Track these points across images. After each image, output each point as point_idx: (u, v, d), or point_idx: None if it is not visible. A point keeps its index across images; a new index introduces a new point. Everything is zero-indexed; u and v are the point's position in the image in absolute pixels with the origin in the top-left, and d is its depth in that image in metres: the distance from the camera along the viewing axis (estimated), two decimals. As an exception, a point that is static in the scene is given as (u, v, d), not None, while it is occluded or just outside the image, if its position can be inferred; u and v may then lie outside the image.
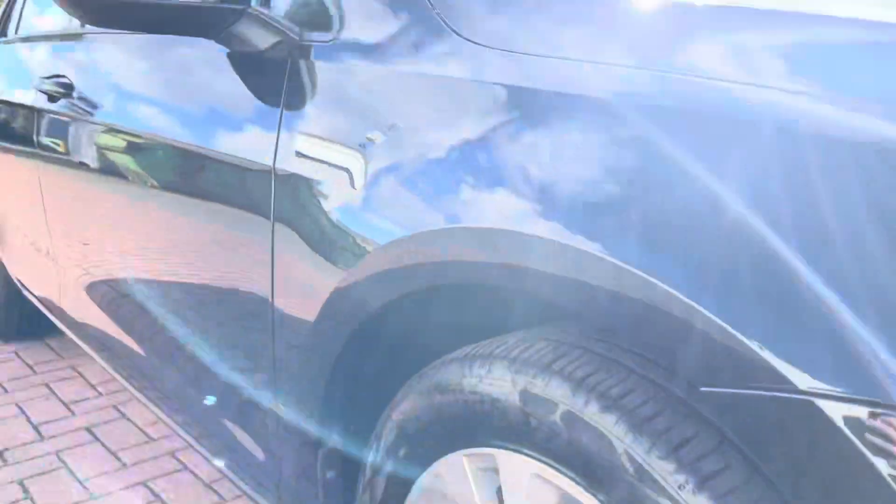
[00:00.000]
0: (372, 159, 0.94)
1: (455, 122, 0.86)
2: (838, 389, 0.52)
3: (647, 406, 0.67)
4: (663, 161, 0.66)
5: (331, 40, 1.08)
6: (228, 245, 1.20)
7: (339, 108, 1.03)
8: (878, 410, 0.50)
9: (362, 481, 0.99)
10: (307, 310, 1.02)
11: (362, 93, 1.00)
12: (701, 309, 0.59)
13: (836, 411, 0.52)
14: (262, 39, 1.16)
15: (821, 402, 0.53)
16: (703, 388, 0.63)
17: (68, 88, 1.77)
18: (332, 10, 1.11)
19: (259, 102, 1.15)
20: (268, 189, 1.08)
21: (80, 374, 2.59)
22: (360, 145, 0.97)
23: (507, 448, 0.78)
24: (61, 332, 2.94)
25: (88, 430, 2.18)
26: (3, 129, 2.34)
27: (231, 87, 1.22)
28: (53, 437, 2.14)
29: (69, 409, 2.32)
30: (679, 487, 0.63)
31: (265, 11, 1.16)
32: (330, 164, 1.00)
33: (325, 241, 0.99)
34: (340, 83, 1.04)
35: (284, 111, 1.09)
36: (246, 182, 1.14)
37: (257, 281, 1.13)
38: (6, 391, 2.46)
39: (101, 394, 2.43)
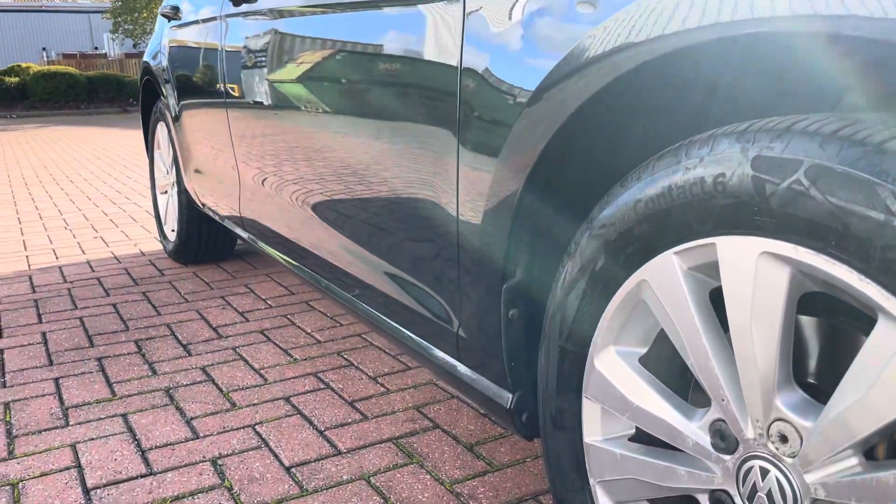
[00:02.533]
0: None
1: None
2: None
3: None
4: None
5: None
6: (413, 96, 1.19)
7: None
8: None
9: (551, 305, 0.95)
10: (493, 141, 0.99)
11: None
12: None
13: None
14: None
15: None
16: None
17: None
18: None
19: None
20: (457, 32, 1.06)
21: (252, 291, 2.73)
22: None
23: (729, 232, 0.71)
24: (235, 258, 3.11)
25: (262, 332, 2.29)
26: (189, 52, 2.48)
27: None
28: (230, 336, 2.26)
29: (244, 316, 2.45)
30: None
31: None
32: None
33: (511, 63, 0.95)
34: None
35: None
36: (434, 34, 1.12)
37: (441, 118, 1.11)
38: (186, 300, 2.63)
39: (271, 306, 2.55)
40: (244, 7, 1.90)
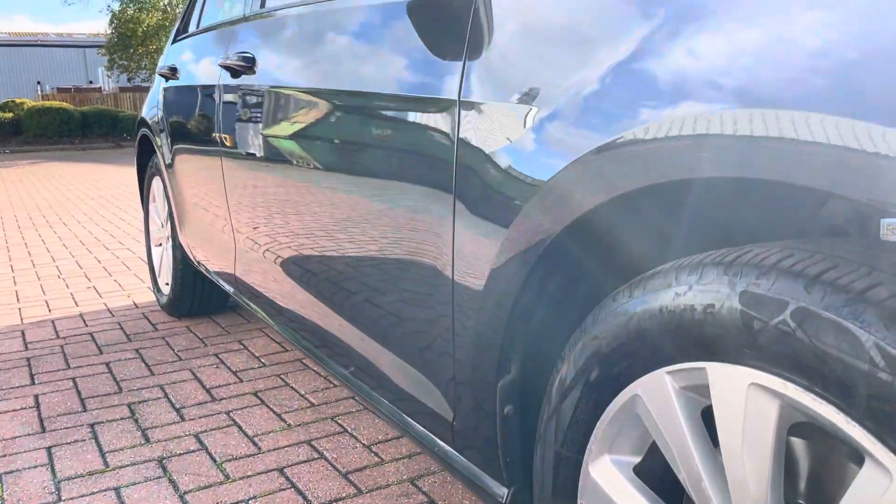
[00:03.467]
0: (562, 84, 0.92)
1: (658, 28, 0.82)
2: None
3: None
4: None
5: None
6: (408, 181, 1.21)
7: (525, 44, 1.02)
8: None
9: (546, 410, 0.96)
10: (489, 240, 1.01)
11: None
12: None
13: None
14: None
15: None
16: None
17: (250, 62, 1.87)
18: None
19: (446, 43, 1.16)
20: (453, 124, 1.08)
21: (246, 347, 2.73)
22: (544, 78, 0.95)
23: (720, 360, 0.73)
24: (228, 311, 3.11)
25: (255, 394, 2.28)
26: (186, 114, 2.51)
27: (415, 36, 1.24)
28: (224, 398, 2.26)
29: (237, 376, 2.44)
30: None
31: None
32: (516, 97, 0.99)
33: (509, 169, 0.97)
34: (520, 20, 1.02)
35: (468, 54, 1.09)
36: (430, 120, 1.15)
37: (436, 212, 1.13)
38: (180, 359, 2.62)
39: (265, 364, 2.55)
40: (243, 80, 1.93)
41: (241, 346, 2.74)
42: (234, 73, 1.97)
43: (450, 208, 1.10)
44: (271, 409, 2.16)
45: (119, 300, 3.46)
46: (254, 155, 1.87)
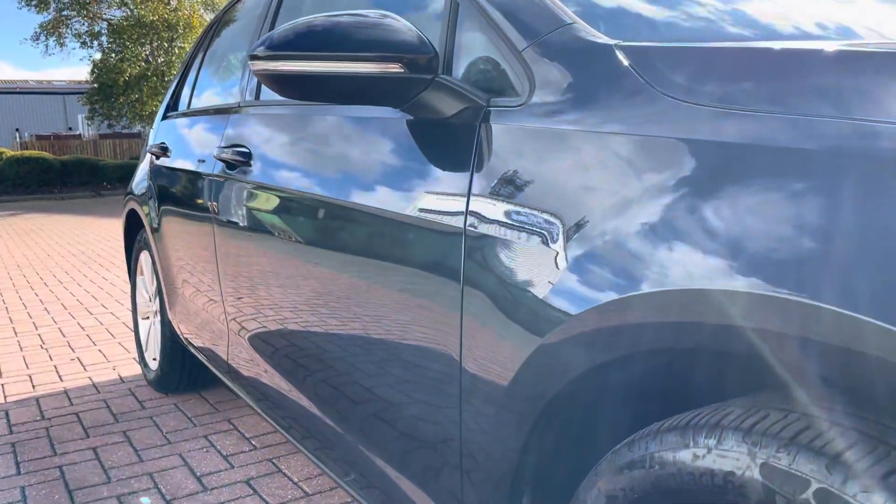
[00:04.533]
0: (571, 222, 0.94)
1: (660, 182, 0.85)
2: None
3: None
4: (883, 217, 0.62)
5: (519, 105, 1.10)
6: (413, 307, 1.22)
7: (532, 170, 1.04)
8: None
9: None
10: (498, 376, 1.02)
11: (557, 155, 1.01)
12: None
13: None
14: (449, 106, 1.20)
15: None
16: None
17: (246, 157, 1.88)
18: (520, 76, 1.12)
19: (449, 166, 1.18)
20: (458, 251, 1.10)
21: (236, 428, 2.69)
22: (556, 208, 0.97)
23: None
24: (217, 387, 3.07)
25: (247, 483, 2.25)
26: (178, 196, 2.51)
27: (418, 153, 1.26)
28: (215, 488, 2.22)
29: (228, 461, 2.40)
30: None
31: (453, 80, 1.20)
32: (523, 228, 1.00)
33: (520, 306, 0.98)
34: (533, 146, 1.05)
35: (475, 174, 1.11)
36: (435, 244, 1.16)
37: (444, 344, 1.13)
38: (169, 442, 2.58)
39: (256, 447, 2.51)
40: (238, 174, 1.93)
41: (231, 427, 2.71)
42: (230, 166, 1.98)
43: (457, 336, 1.10)
44: (265, 501, 2.12)
45: (104, 374, 3.41)
46: (248, 247, 1.87)
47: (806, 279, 0.66)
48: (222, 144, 2.07)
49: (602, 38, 1.04)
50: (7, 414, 2.90)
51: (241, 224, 1.93)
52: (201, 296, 2.33)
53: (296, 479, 2.26)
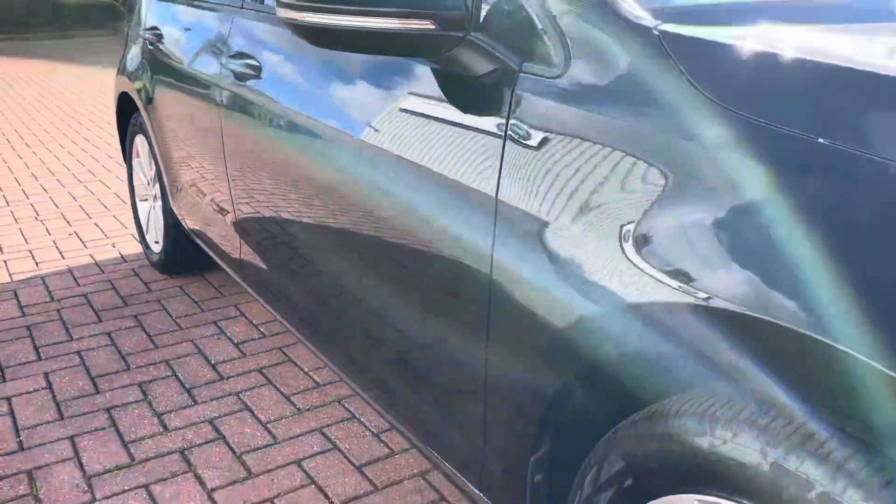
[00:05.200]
0: (598, 207, 0.99)
1: (682, 187, 0.90)
2: None
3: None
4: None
5: (554, 77, 1.12)
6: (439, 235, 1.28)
7: (565, 150, 1.08)
8: None
9: (580, 494, 1.09)
10: (525, 314, 1.11)
11: (587, 142, 1.04)
12: None
13: None
14: (480, 66, 1.21)
15: None
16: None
17: (256, 70, 1.87)
18: (555, 44, 1.13)
19: (479, 127, 1.21)
20: (489, 219, 1.15)
21: (243, 314, 2.82)
22: (582, 198, 1.02)
23: (747, 501, 0.85)
24: (219, 270, 3.16)
25: (260, 371, 2.39)
26: (183, 96, 2.47)
27: (446, 106, 1.28)
28: (231, 377, 2.36)
29: (240, 349, 2.54)
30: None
31: (485, 39, 1.20)
32: (551, 203, 1.06)
33: (546, 279, 1.06)
34: (565, 127, 1.08)
35: (507, 142, 1.15)
36: (463, 210, 1.21)
37: (471, 273, 1.21)
38: (180, 327, 2.70)
39: (264, 335, 2.65)
40: (248, 86, 1.92)
41: (239, 312, 2.83)
42: (240, 76, 1.96)
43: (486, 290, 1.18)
44: (279, 391, 2.28)
45: (105, 251, 3.47)
46: (259, 161, 1.90)
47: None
48: (231, 53, 2.04)
49: (646, 19, 1.05)
50: (16, 294, 2.99)
51: (251, 138, 1.93)
52: (207, 195, 2.37)
53: (306, 369, 2.41)
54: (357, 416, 2.15)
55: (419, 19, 1.18)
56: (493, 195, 1.15)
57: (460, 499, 1.80)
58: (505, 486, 1.27)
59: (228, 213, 2.23)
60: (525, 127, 1.13)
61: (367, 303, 1.58)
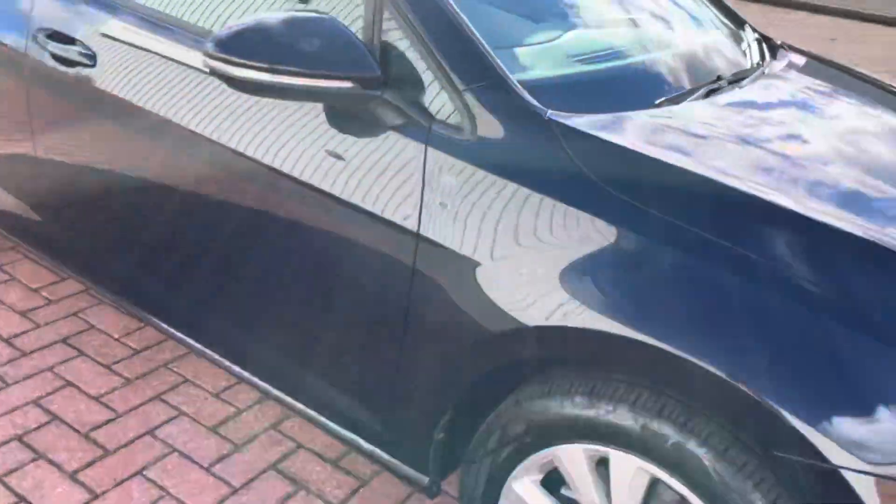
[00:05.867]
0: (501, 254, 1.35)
1: (565, 244, 1.31)
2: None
3: (731, 450, 1.23)
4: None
5: (464, 139, 1.41)
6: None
7: (477, 202, 1.40)
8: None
9: (482, 449, 1.49)
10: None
11: (495, 200, 1.38)
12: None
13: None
14: (392, 119, 1.45)
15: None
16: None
17: (90, 59, 1.82)
18: (461, 112, 1.42)
19: (397, 171, 1.46)
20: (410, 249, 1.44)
21: (14, 277, 2.66)
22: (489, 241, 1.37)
23: (621, 450, 1.32)
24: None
25: (66, 342, 2.36)
26: None
27: (354, 145, 1.50)
28: (34, 351, 2.30)
29: (31, 320, 2.45)
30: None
31: (397, 99, 1.45)
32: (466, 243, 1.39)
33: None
34: (480, 186, 1.39)
35: (425, 187, 1.43)
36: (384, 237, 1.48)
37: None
38: (-56, 299, 2.49)
39: (50, 300, 2.56)
40: (75, 73, 1.85)
41: (9, 276, 2.66)
42: (64, 62, 1.88)
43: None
44: (96, 362, 2.30)
45: None
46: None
47: None
48: (43, 26, 1.91)
49: (538, 106, 1.40)
50: None
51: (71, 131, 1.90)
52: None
53: (116, 335, 2.43)
54: (192, 379, 2.28)
55: (341, 80, 1.40)
56: (415, 229, 1.44)
57: (312, 440, 2.10)
58: (408, 441, 1.62)
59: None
60: (437, 174, 1.42)
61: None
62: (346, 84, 1.41)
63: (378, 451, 1.69)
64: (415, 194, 1.43)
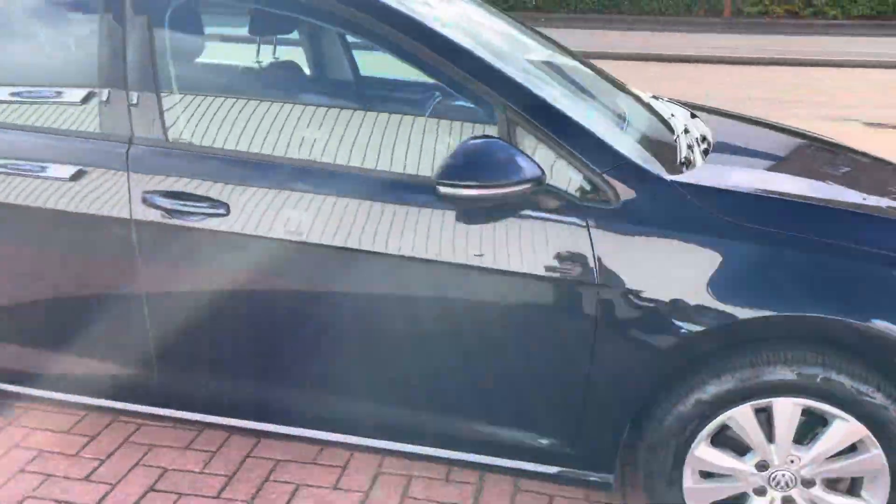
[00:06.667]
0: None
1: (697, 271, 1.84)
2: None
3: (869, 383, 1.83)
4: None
5: (612, 209, 1.86)
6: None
7: (634, 258, 1.86)
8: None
9: (665, 430, 1.93)
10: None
11: (645, 251, 1.86)
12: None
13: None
14: (554, 203, 1.87)
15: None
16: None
17: (223, 208, 1.98)
18: (605, 188, 1.87)
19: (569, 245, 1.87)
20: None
21: (20, 444, 2.50)
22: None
23: (781, 396, 1.86)
24: None
25: (156, 490, 2.33)
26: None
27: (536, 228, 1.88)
28: (133, 510, 2.25)
29: (95, 482, 2.36)
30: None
31: (556, 187, 1.86)
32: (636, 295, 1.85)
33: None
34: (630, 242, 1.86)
35: (595, 251, 1.85)
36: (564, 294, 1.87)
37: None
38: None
39: (101, 459, 2.46)
40: (201, 223, 1.99)
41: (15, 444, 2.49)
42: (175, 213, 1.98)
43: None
44: (204, 497, 2.31)
45: None
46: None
47: None
48: (158, 189, 2.01)
49: (663, 173, 1.90)
50: None
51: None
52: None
53: (197, 469, 2.44)
54: (302, 483, 2.40)
55: (524, 184, 1.80)
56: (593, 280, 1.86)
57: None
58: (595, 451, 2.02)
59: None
60: (600, 237, 1.86)
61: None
62: (527, 185, 1.80)
63: (563, 469, 2.06)
64: (587, 250, 1.85)
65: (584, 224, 1.86)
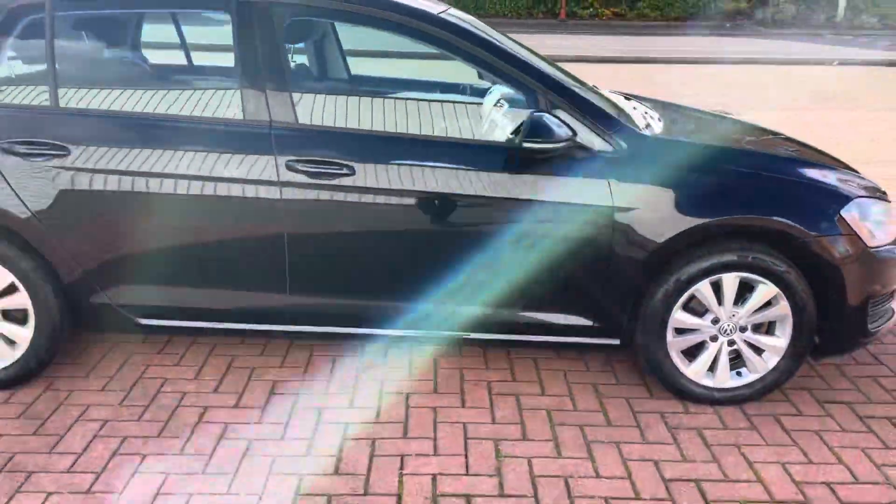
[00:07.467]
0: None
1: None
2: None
3: (777, 259, 2.90)
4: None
5: (614, 152, 2.84)
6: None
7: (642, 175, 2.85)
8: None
9: (654, 300, 2.92)
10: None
11: (634, 173, 2.85)
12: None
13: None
14: (578, 148, 2.82)
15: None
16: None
17: (351, 170, 2.75)
18: (610, 142, 2.85)
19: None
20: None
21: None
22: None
23: (730, 273, 2.90)
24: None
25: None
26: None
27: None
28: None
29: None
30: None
31: (582, 142, 2.82)
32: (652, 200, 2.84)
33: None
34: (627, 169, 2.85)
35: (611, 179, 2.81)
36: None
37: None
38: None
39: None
40: (330, 182, 2.79)
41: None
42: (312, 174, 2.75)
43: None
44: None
45: None
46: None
47: None
48: (294, 157, 2.73)
49: (643, 131, 2.90)
50: None
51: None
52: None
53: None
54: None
55: (565, 141, 2.75)
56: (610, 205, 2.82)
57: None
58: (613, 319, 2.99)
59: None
60: (613, 173, 2.83)
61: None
62: (568, 142, 2.74)
63: (589, 339, 3.02)
64: (605, 184, 2.82)
65: (602, 166, 2.83)
